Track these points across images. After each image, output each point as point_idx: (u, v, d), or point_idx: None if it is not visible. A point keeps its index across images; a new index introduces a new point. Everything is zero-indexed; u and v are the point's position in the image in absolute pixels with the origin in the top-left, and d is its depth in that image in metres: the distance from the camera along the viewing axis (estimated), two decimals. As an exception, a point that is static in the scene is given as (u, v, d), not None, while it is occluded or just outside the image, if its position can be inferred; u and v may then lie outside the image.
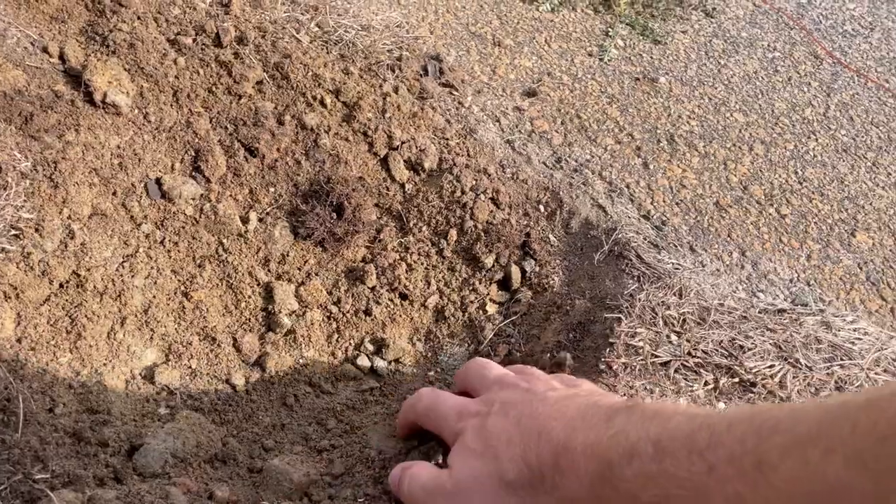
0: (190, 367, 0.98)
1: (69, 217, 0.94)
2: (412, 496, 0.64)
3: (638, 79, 1.52)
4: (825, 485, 0.29)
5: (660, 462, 0.38)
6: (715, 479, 0.35)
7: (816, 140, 1.49)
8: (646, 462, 0.39)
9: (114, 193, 1.01)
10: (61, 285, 0.91)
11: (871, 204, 1.37)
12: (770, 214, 1.29)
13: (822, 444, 0.30)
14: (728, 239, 1.23)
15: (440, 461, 0.75)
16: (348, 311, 1.11)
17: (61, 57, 1.06)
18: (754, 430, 0.34)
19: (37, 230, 0.88)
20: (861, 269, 1.24)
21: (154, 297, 0.99)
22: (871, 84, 1.71)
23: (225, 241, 1.07)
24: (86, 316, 0.91)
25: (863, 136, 1.54)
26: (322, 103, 1.19)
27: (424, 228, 1.19)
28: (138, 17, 1.15)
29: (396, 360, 1.09)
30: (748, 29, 1.80)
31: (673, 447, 0.38)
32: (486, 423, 0.60)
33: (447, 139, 1.25)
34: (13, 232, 0.86)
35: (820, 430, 0.31)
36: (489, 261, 1.16)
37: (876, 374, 1.05)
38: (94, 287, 0.93)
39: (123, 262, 0.98)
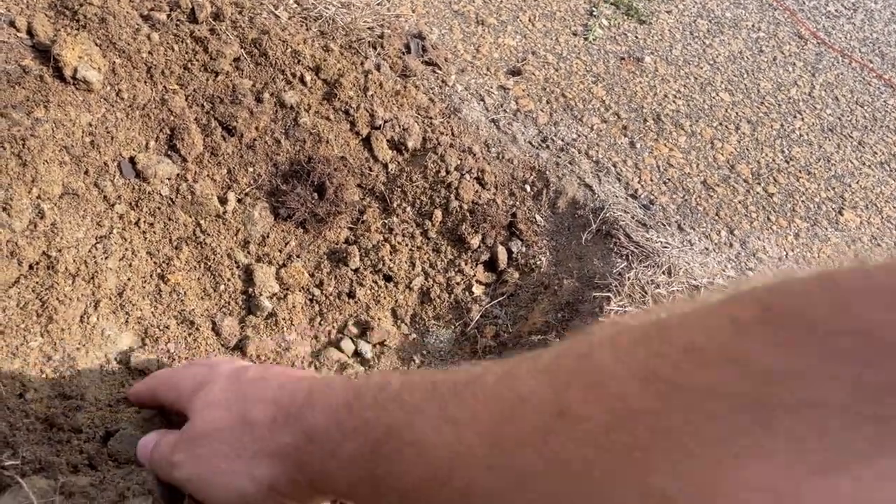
0: (168, 351, 0.95)
1: (39, 196, 0.90)
2: (158, 455, 0.61)
3: (623, 58, 1.50)
4: (517, 396, 0.31)
5: (399, 392, 0.39)
6: (434, 401, 0.36)
7: (802, 119, 1.48)
8: (388, 392, 0.40)
9: (86, 172, 0.97)
10: (31, 266, 0.87)
11: (857, 182, 1.36)
12: (757, 193, 1.28)
13: (533, 363, 0.32)
14: (716, 218, 1.21)
15: None
16: (331, 294, 1.08)
17: (29, 31, 1.02)
18: (491, 363, 0.36)
19: (4, 209, 0.85)
20: (849, 247, 1.23)
21: (129, 279, 0.96)
22: (856, 64, 1.71)
23: (202, 222, 1.04)
24: (57, 298, 0.88)
25: (848, 116, 1.53)
26: (302, 81, 1.16)
27: (408, 209, 1.16)
28: (110, -8, 1.10)
29: (381, 343, 1.06)
30: (732, 9, 1.79)
31: (418, 379, 0.39)
32: (241, 377, 0.55)
33: (431, 118, 1.23)
34: (-21, 211, 0.82)
35: (538, 354, 0.33)
36: (475, 241, 1.13)
37: (866, 350, 1.04)
38: (66, 269, 0.89)
39: (96, 243, 0.94)
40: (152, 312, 0.97)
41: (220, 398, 0.54)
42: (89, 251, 0.93)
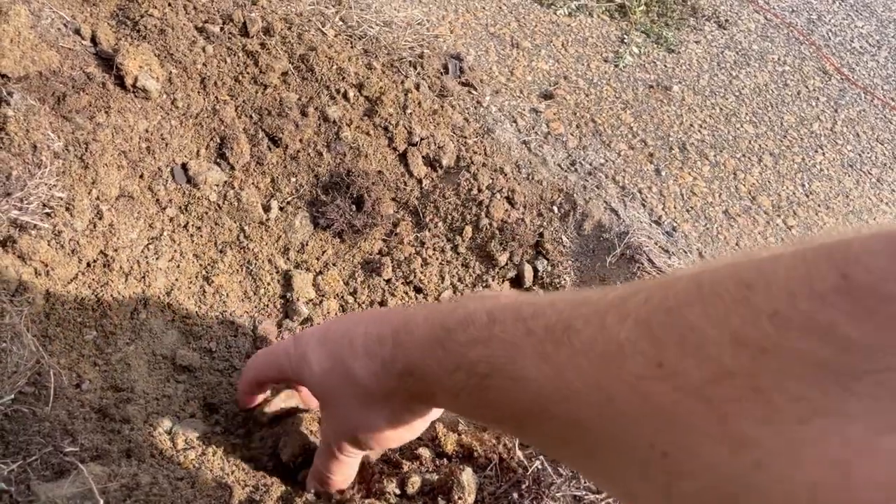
0: (209, 349, 1.00)
1: (98, 198, 0.95)
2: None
3: (652, 86, 1.55)
4: (615, 344, 0.34)
5: (490, 329, 0.42)
6: (530, 340, 0.39)
7: (823, 154, 1.52)
8: (479, 328, 0.43)
9: (141, 176, 1.02)
10: (89, 264, 0.92)
11: (874, 219, 1.40)
12: (777, 225, 1.32)
13: (619, 312, 0.34)
14: (736, 247, 1.26)
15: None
16: (364, 302, 1.13)
17: (93, 39, 1.08)
18: (569, 304, 0.39)
19: (67, 209, 0.90)
20: (864, 282, 1.26)
21: (176, 280, 1.01)
22: (878, 102, 1.75)
23: (246, 228, 1.09)
24: (111, 295, 0.93)
25: (868, 153, 1.57)
26: (345, 97, 1.21)
27: (440, 224, 1.21)
28: (168, 4, 1.16)
29: (409, 352, 1.11)
30: (759, 42, 1.83)
31: (503, 316, 0.42)
32: (328, 338, 0.61)
33: (465, 137, 1.27)
34: (46, 210, 0.87)
35: (619, 302, 0.35)
36: (503, 259, 1.18)
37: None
38: (120, 267, 0.94)
39: (148, 244, 0.99)
40: (196, 312, 1.02)
41: (321, 368, 0.61)
42: (142, 252, 0.98)
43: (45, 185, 0.89)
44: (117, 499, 0.72)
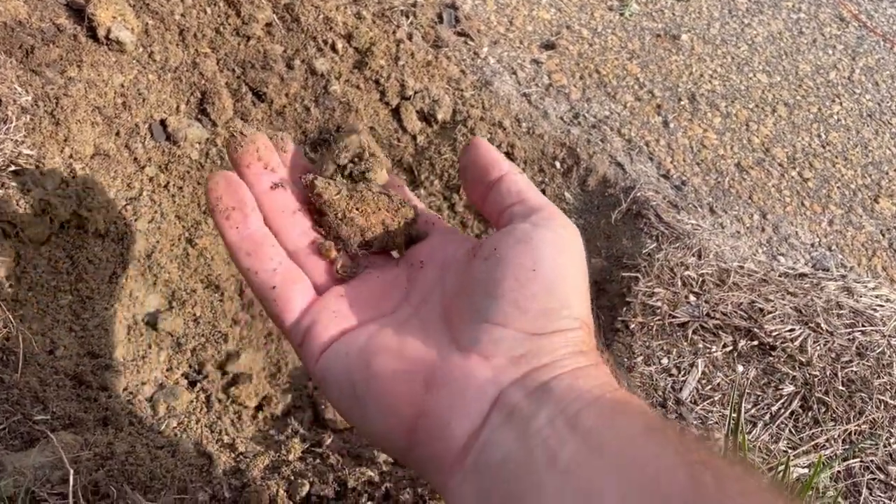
0: (194, 314, 0.96)
1: (71, 156, 0.90)
2: None
3: (659, 35, 1.47)
4: None
5: None
6: None
7: (840, 104, 1.45)
8: None
9: (117, 133, 0.97)
10: (62, 225, 0.87)
11: (894, 170, 1.33)
12: (792, 177, 1.25)
13: None
14: (749, 201, 1.19)
15: None
16: (357, 264, 1.08)
17: (63, -10, 1.02)
18: None
19: (37, 167, 0.85)
20: (884, 235, 1.20)
21: (158, 242, 0.96)
22: (898, 49, 1.66)
23: (231, 187, 1.03)
24: (87, 258, 0.88)
25: (888, 102, 1.49)
26: (333, 48, 1.14)
27: (436, 182, 1.15)
28: (144, -48, 1.10)
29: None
30: (773, -12, 1.74)
31: None
32: None
33: (462, 90, 1.21)
34: (13, 168, 0.82)
35: None
36: (502, 216, 1.12)
37: (897, 341, 1.02)
38: (96, 229, 0.89)
39: (126, 204, 0.94)
40: (180, 276, 0.97)
41: None
42: (119, 212, 0.93)
43: (12, 141, 0.83)
44: (89, 468, 0.68)
